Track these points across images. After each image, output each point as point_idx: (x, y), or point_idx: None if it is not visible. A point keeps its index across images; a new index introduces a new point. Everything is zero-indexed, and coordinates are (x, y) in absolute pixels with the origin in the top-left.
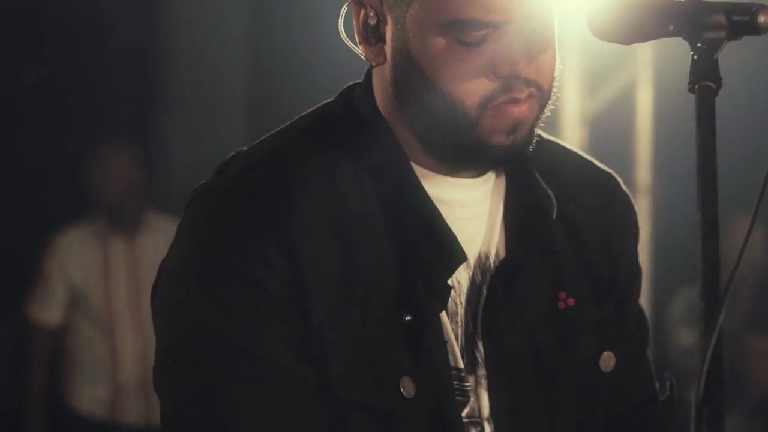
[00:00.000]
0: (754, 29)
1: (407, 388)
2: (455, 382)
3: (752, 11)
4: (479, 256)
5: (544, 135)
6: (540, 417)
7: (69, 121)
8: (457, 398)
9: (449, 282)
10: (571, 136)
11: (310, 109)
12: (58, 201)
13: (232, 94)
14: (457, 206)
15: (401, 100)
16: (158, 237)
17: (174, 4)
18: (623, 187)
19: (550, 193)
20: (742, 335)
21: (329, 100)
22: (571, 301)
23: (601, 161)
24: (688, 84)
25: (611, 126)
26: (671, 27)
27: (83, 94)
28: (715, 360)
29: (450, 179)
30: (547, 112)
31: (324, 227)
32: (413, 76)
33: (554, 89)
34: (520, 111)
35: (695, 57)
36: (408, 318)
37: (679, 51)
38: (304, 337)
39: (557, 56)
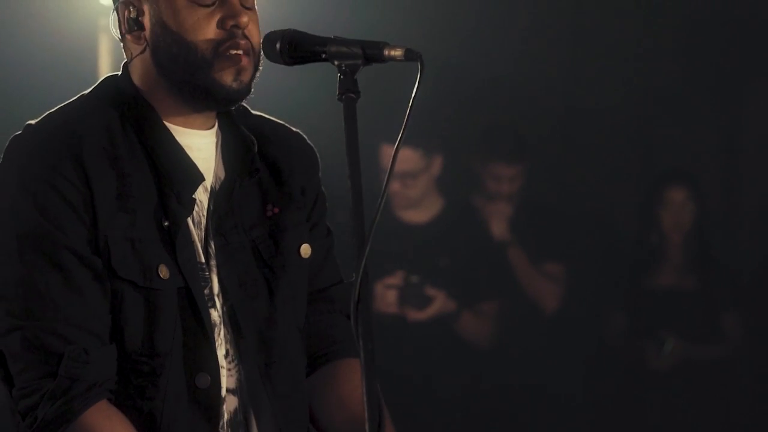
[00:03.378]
0: (381, 59)
1: (163, 272)
2: (200, 272)
3: (380, 47)
4: (212, 184)
5: (252, 110)
6: (261, 289)
7: None
8: (201, 283)
9: (194, 197)
10: None
11: (87, 90)
12: None
13: None
14: (195, 149)
15: (159, 61)
16: None
17: None
18: (307, 140)
19: (252, 137)
20: None
21: (97, 84)
22: (276, 210)
23: None
24: (337, 95)
25: None
26: (323, 55)
27: None
28: (363, 276)
29: (189, 131)
30: (257, 76)
31: (104, 160)
32: (166, 37)
33: (261, 57)
34: (243, 60)
35: (341, 77)
36: (166, 223)
37: None
38: (95, 235)
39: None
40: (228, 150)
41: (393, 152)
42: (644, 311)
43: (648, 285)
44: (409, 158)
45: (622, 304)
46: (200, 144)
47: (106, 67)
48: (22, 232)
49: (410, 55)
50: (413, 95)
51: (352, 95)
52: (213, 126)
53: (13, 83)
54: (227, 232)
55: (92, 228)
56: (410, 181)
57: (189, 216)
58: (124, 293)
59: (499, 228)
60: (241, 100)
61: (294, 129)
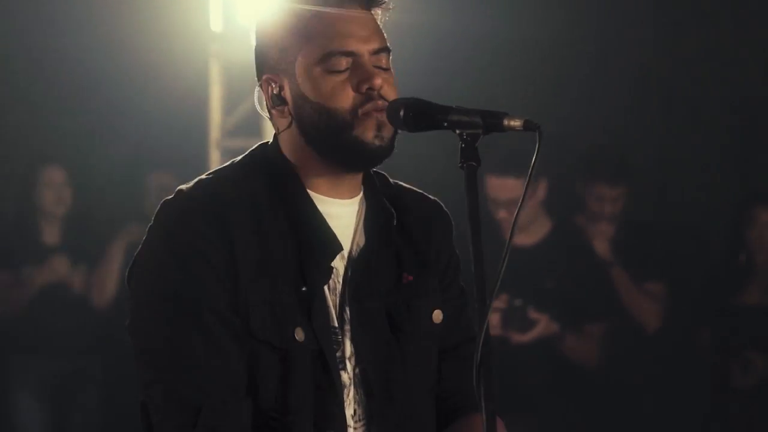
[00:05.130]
0: (500, 129)
1: (299, 334)
2: (332, 336)
3: (499, 117)
4: (350, 251)
5: (391, 180)
6: (394, 353)
7: None
8: (333, 346)
9: (332, 265)
10: None
11: (240, 156)
12: None
13: None
14: (335, 217)
15: (305, 131)
16: None
17: None
18: (443, 207)
19: (392, 209)
20: None
21: (249, 151)
22: (410, 278)
23: None
24: (459, 163)
25: None
26: (445, 124)
27: None
28: (486, 338)
29: (331, 200)
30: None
31: (249, 226)
32: (307, 107)
33: None
34: (381, 115)
35: (462, 145)
36: (304, 288)
37: None
38: (235, 298)
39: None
40: (369, 219)
41: (511, 225)
42: (731, 329)
43: (736, 303)
44: (512, 187)
45: (714, 322)
46: (341, 212)
47: (217, 94)
48: (168, 292)
49: (529, 126)
50: (532, 164)
51: (473, 164)
52: (357, 195)
53: (124, 111)
54: (363, 298)
55: (233, 291)
56: (515, 208)
57: (326, 283)
58: (260, 353)
59: (601, 248)
60: (385, 158)
61: (431, 197)
